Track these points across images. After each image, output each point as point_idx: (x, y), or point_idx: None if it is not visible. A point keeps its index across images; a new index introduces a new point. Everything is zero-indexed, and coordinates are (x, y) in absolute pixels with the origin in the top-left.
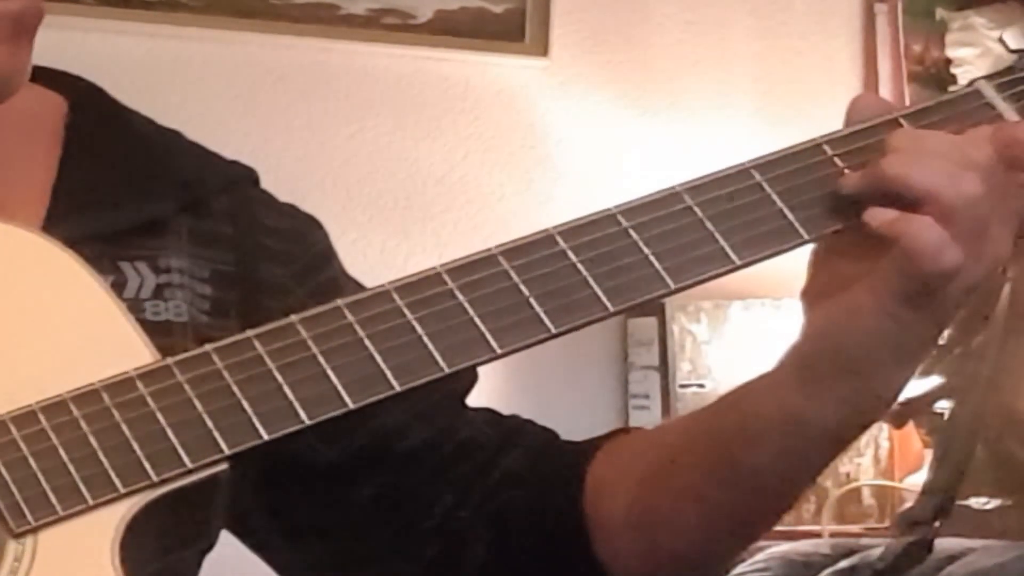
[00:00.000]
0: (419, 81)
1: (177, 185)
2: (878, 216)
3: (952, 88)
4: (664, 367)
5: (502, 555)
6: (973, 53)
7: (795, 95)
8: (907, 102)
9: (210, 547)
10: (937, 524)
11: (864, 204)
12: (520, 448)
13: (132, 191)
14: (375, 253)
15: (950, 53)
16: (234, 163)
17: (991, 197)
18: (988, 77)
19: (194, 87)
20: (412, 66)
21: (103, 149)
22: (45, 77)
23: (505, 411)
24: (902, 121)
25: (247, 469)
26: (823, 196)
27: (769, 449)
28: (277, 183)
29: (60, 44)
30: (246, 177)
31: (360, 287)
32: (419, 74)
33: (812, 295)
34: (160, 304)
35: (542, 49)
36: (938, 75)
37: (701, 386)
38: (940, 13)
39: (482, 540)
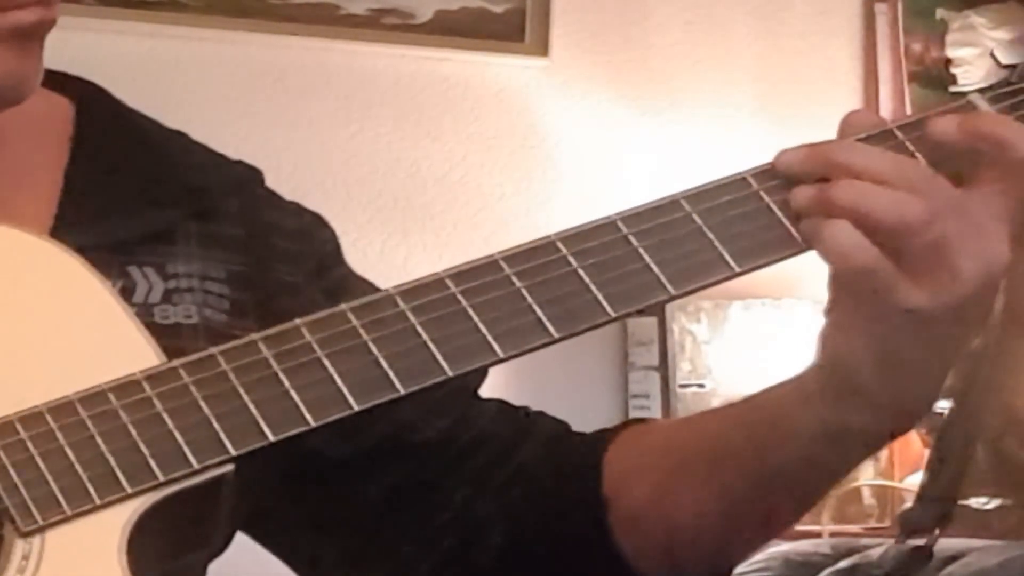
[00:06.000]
0: (419, 81)
1: (185, 189)
2: (804, 225)
3: (952, 88)
4: (664, 367)
5: (518, 546)
6: (973, 53)
7: (795, 95)
8: (907, 102)
9: (218, 553)
10: (937, 532)
11: None
12: (535, 439)
13: (140, 196)
14: (375, 253)
15: (950, 53)
16: (240, 164)
17: (948, 218)
18: (981, 90)
19: (194, 87)
20: (412, 66)
21: (111, 153)
22: (51, 80)
23: None
24: (897, 132)
25: (267, 467)
26: None
27: (797, 452)
28: (277, 183)
29: (60, 44)
30: (253, 178)
31: (370, 284)
32: (419, 74)
33: (827, 313)
34: (169, 308)
35: (542, 49)
36: (938, 75)
37: (701, 386)
38: (940, 13)
39: (498, 532)
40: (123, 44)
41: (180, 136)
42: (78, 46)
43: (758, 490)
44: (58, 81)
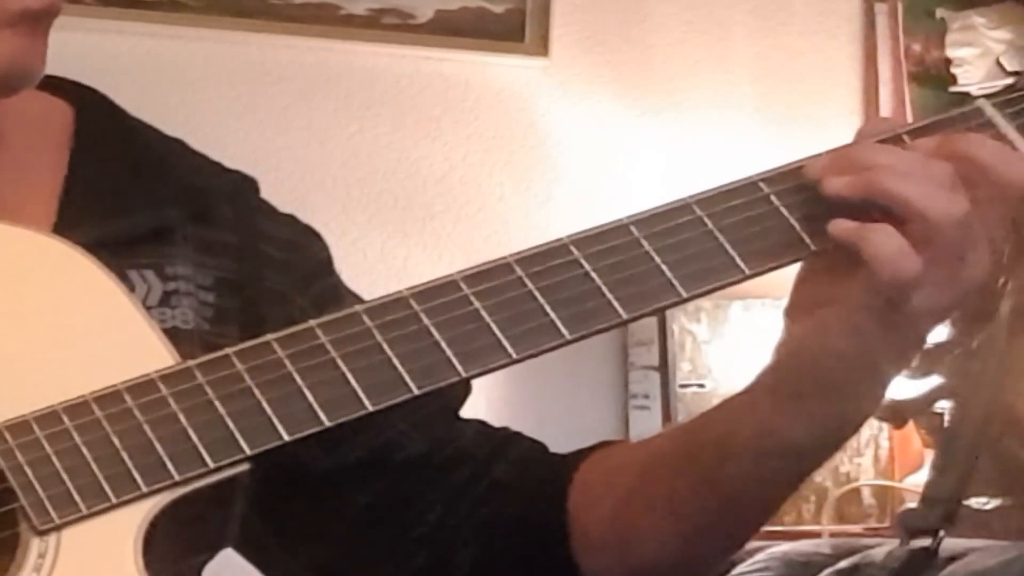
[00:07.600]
0: (419, 81)
1: (184, 190)
2: (840, 225)
3: (952, 88)
4: (664, 367)
5: (488, 564)
6: (973, 53)
7: (795, 95)
8: (907, 102)
9: (213, 555)
10: (942, 534)
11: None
12: (508, 459)
13: (139, 199)
14: (375, 253)
15: (950, 53)
16: (237, 172)
17: (974, 221)
18: (989, 96)
19: (194, 87)
20: (412, 66)
21: (110, 157)
22: (51, 84)
23: (506, 410)
24: (905, 138)
25: (250, 475)
26: (829, 209)
27: (746, 465)
28: (277, 183)
29: (60, 44)
30: (249, 187)
31: (357, 298)
32: (419, 74)
33: (792, 313)
34: (167, 311)
35: (542, 49)
36: (938, 75)
37: (701, 386)
38: (940, 13)
39: (469, 549)
40: (123, 44)
41: (178, 143)
42: (78, 46)
43: (712, 509)
44: (58, 85)
